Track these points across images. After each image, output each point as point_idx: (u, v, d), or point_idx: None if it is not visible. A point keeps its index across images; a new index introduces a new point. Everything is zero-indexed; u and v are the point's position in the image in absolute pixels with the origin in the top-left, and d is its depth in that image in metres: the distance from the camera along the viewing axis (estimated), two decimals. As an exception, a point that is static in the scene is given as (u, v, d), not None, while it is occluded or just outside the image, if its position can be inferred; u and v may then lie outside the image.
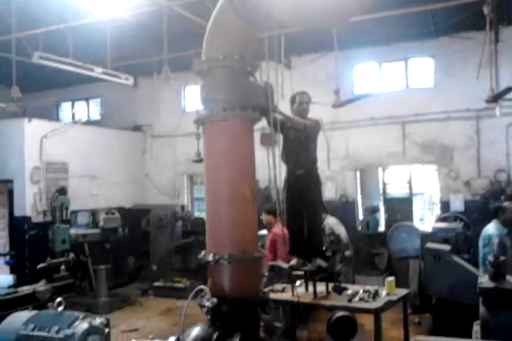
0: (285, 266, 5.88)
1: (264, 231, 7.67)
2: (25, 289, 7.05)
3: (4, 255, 11.25)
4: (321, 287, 5.91)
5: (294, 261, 5.80)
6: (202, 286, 3.74)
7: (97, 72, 9.49)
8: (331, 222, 9.03)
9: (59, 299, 3.83)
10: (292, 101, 6.01)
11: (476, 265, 6.78)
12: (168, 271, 11.57)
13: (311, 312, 7.12)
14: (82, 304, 8.91)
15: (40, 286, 7.13)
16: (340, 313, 3.13)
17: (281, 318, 6.82)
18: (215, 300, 3.61)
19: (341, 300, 5.65)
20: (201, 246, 4.08)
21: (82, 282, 10.41)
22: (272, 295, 5.42)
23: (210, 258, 3.75)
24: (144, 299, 10.96)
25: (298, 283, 6.00)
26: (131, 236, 12.09)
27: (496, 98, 7.76)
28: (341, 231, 9.09)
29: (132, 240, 12.29)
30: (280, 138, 5.51)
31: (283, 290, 6.15)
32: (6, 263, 11.20)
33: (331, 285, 6.00)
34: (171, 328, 8.08)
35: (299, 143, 5.75)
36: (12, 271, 11.02)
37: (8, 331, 3.68)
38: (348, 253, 8.90)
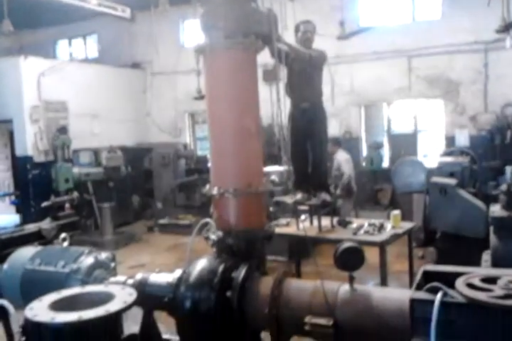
0: (290, 200, 5.85)
1: (271, 168, 7.56)
2: (31, 227, 7.09)
3: (9, 195, 11.32)
4: (325, 221, 5.93)
5: (298, 196, 5.77)
6: (207, 219, 3.72)
7: (93, 3, 9.09)
8: (340, 158, 8.92)
9: (63, 234, 3.82)
10: (296, 30, 5.79)
11: (481, 199, 6.75)
12: (173, 208, 11.66)
13: (316, 246, 7.18)
14: (88, 242, 8.95)
15: (46, 224, 7.16)
16: (346, 244, 3.10)
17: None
18: (220, 233, 3.59)
19: (346, 233, 5.68)
20: (204, 184, 4.02)
21: (88, 220, 10.50)
22: (277, 230, 5.43)
23: (215, 191, 3.70)
24: (149, 236, 11.08)
25: (302, 217, 6.01)
26: (135, 174, 12.08)
27: (507, 27, 7.45)
28: (346, 170, 9.01)
29: (136, 178, 12.31)
30: (283, 72, 5.33)
31: (287, 225, 6.18)
32: (12, 203, 11.30)
33: (335, 219, 6.01)
34: (177, 263, 8.17)
35: (303, 74, 5.58)
36: (17, 211, 11.13)
37: (14, 266, 3.69)
38: (338, 191, 8.87)
